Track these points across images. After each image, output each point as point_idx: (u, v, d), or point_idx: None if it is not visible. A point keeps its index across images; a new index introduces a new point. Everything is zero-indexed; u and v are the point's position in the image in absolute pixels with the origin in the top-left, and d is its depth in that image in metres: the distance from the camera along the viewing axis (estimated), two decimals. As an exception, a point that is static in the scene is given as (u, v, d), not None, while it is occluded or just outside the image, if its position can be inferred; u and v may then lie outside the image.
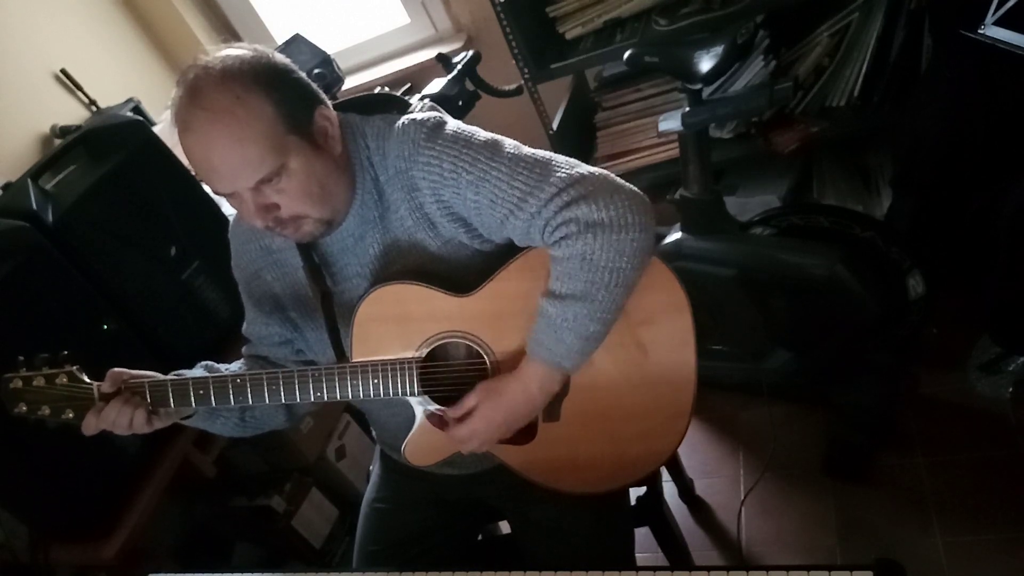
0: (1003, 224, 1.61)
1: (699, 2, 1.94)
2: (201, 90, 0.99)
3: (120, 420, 1.15)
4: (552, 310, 1.05)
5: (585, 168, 1.07)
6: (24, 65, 2.22)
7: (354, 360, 1.17)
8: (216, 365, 1.28)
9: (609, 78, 2.26)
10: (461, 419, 1.14)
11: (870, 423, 1.87)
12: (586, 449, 1.22)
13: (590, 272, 1.03)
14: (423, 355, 1.16)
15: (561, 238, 1.04)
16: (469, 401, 1.14)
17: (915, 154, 1.86)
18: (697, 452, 2.08)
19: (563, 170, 1.06)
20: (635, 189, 1.07)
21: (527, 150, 1.10)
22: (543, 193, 1.04)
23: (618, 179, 1.07)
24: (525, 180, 1.05)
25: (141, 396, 1.18)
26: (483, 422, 1.13)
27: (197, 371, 1.25)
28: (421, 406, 1.19)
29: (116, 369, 1.19)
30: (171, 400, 1.18)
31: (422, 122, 1.11)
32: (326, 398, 1.17)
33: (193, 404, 1.19)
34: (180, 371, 1.24)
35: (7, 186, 1.83)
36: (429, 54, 2.52)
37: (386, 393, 1.16)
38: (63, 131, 2.21)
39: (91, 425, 1.17)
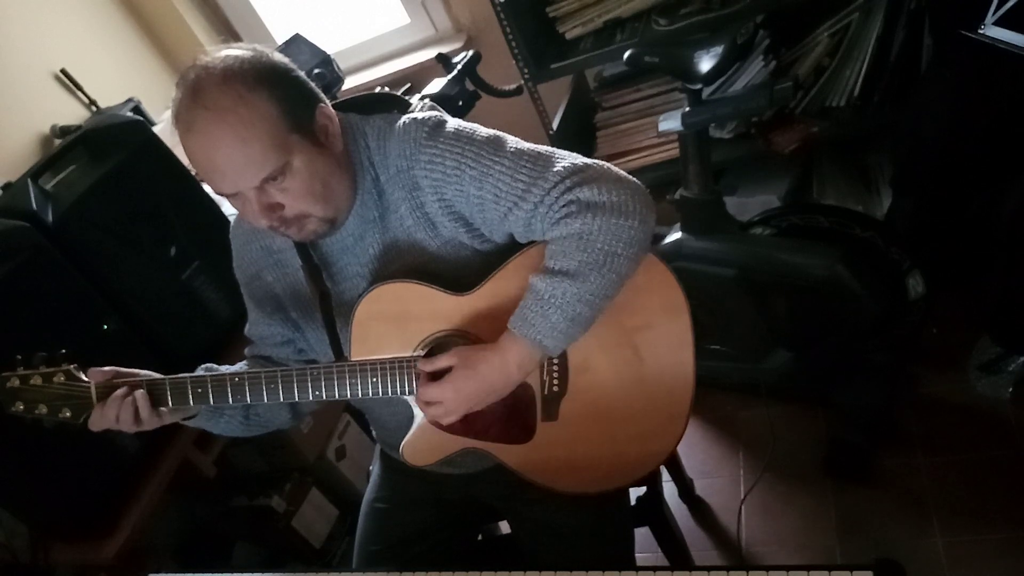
0: (1003, 224, 1.61)
1: (699, 2, 1.94)
2: (203, 90, 0.99)
3: (124, 415, 1.15)
4: (542, 285, 1.05)
5: (587, 159, 1.08)
6: (24, 65, 2.22)
7: (353, 359, 1.17)
8: (217, 367, 1.28)
9: (609, 78, 2.26)
10: (432, 379, 1.13)
11: (870, 423, 1.87)
12: (584, 449, 1.22)
13: (585, 252, 1.03)
14: (422, 354, 1.16)
15: (561, 218, 1.04)
16: (442, 361, 1.12)
17: (915, 154, 1.86)
18: (697, 452, 2.08)
19: (566, 160, 1.07)
20: (637, 182, 1.08)
21: (528, 144, 1.11)
22: (546, 183, 1.05)
23: (621, 170, 1.08)
24: (528, 173, 1.06)
25: (140, 390, 1.17)
26: (453, 390, 1.10)
27: (199, 373, 1.25)
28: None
29: (113, 368, 1.19)
30: (168, 399, 1.18)
31: (423, 121, 1.11)
32: (324, 397, 1.17)
33: (191, 403, 1.19)
34: (181, 375, 1.23)
35: (7, 186, 1.83)
36: (429, 54, 2.52)
37: (384, 392, 1.16)
38: (63, 131, 2.21)
39: (96, 423, 1.17)
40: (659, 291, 1.15)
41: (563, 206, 1.04)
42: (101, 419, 1.16)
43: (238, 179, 1.03)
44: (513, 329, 1.08)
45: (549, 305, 1.04)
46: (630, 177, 1.08)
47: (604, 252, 1.03)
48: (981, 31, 1.36)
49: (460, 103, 1.93)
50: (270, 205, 1.06)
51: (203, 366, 1.28)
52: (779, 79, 1.97)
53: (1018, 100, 1.55)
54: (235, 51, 1.03)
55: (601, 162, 1.08)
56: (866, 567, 0.93)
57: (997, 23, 1.34)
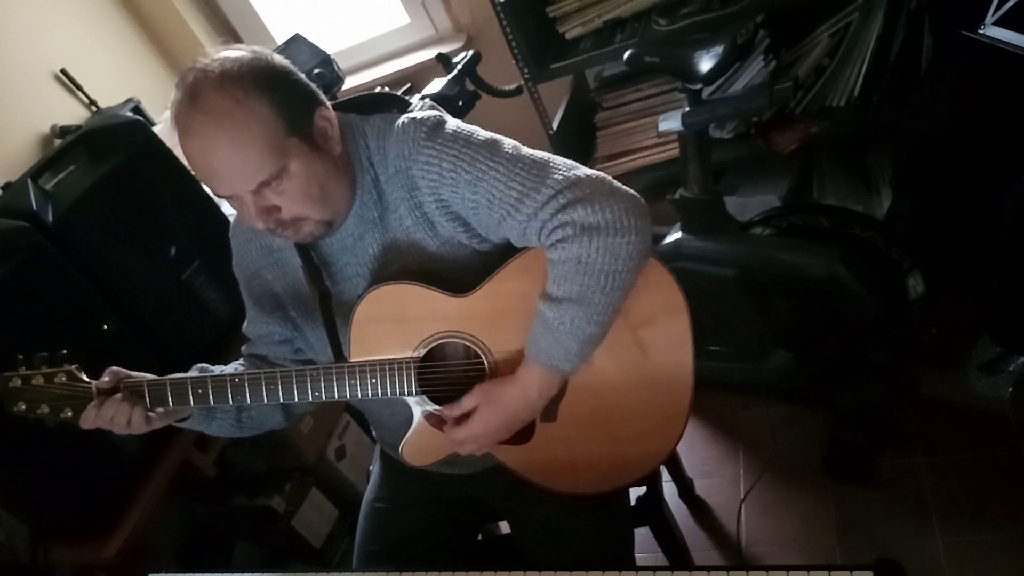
0: (1003, 224, 1.61)
1: (699, 2, 1.94)
2: (200, 93, 0.99)
3: (118, 418, 1.16)
4: (549, 313, 1.05)
5: (583, 171, 1.07)
6: (24, 65, 2.22)
7: (352, 360, 1.17)
8: (210, 367, 1.28)
9: (609, 78, 2.26)
10: (459, 421, 1.15)
11: (870, 423, 1.87)
12: (583, 450, 1.22)
13: (585, 276, 1.03)
14: (421, 355, 1.16)
15: (557, 241, 1.04)
16: (467, 403, 1.14)
17: (915, 154, 1.86)
18: (697, 452, 2.08)
19: (561, 172, 1.06)
20: (632, 192, 1.07)
21: (526, 150, 1.10)
22: (540, 195, 1.04)
23: (615, 182, 1.07)
24: (523, 181, 1.05)
25: (139, 396, 1.18)
26: (481, 426, 1.13)
27: (192, 373, 1.26)
28: (419, 406, 1.19)
29: (116, 367, 1.20)
30: (169, 400, 1.18)
31: (422, 121, 1.11)
32: (324, 398, 1.17)
33: (192, 403, 1.19)
34: (177, 375, 1.23)
35: (7, 186, 1.83)
36: (429, 54, 2.52)
37: (384, 393, 1.16)
38: (63, 131, 2.21)
39: (89, 420, 1.17)
40: (658, 292, 1.15)
41: (557, 227, 1.03)
42: (96, 417, 1.17)
43: (234, 183, 1.03)
44: (529, 358, 1.10)
45: (559, 332, 1.05)
46: (624, 188, 1.06)
47: (605, 273, 1.03)
48: (981, 31, 1.36)
49: (460, 103, 1.93)
50: (267, 208, 1.06)
51: (197, 366, 1.28)
52: (779, 79, 1.97)
53: (1018, 100, 1.55)
54: (234, 53, 1.03)
55: (595, 173, 1.07)
56: (866, 567, 0.93)
57: (997, 23, 1.34)
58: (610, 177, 1.07)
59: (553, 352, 1.07)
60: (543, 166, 1.07)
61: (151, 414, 1.19)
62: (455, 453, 1.22)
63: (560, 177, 1.05)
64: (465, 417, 1.14)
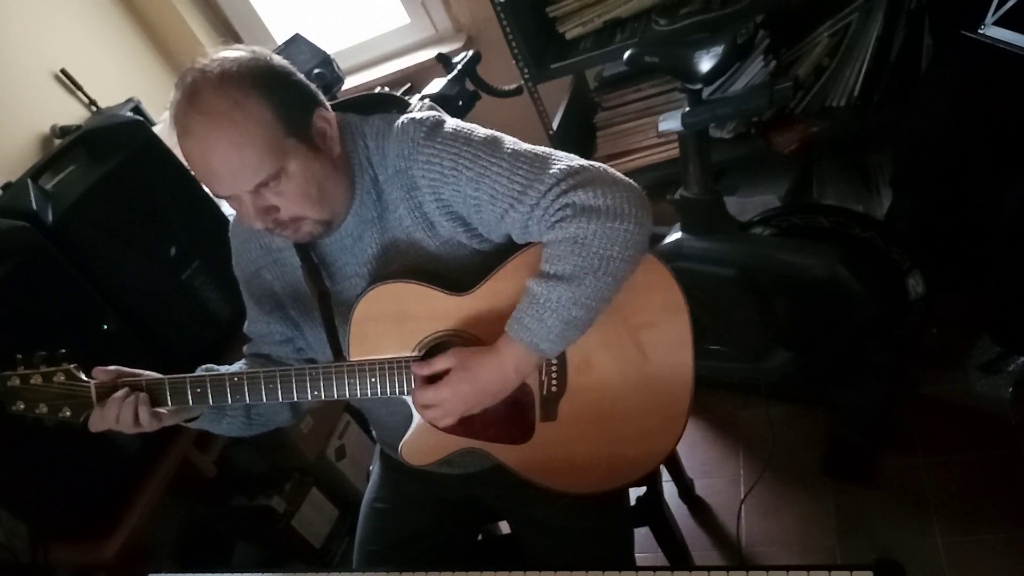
0: (1003, 224, 1.61)
1: (699, 2, 1.94)
2: (199, 94, 1.00)
3: (124, 416, 1.15)
4: (538, 289, 1.05)
5: (584, 160, 1.07)
6: (24, 65, 2.22)
7: (352, 359, 1.17)
8: (216, 368, 1.28)
9: (609, 78, 2.26)
10: (428, 382, 1.13)
11: (870, 423, 1.87)
12: (583, 449, 1.22)
13: (580, 256, 1.03)
14: (420, 354, 1.16)
15: (556, 222, 1.04)
16: (440, 363, 1.11)
17: (915, 154, 1.86)
18: (697, 452, 2.08)
19: (563, 162, 1.07)
20: (633, 183, 1.08)
21: (526, 145, 1.11)
22: (542, 185, 1.05)
23: (618, 172, 1.08)
24: (525, 174, 1.06)
25: (140, 391, 1.17)
26: (450, 391, 1.10)
27: (198, 374, 1.25)
28: (419, 406, 1.19)
29: (114, 367, 1.19)
30: (168, 398, 1.18)
31: (421, 121, 1.11)
32: (323, 397, 1.17)
33: (191, 403, 1.19)
34: (180, 375, 1.23)
35: (7, 186, 1.83)
36: (429, 54, 2.52)
37: (383, 392, 1.16)
38: (63, 131, 2.21)
39: (96, 423, 1.17)
40: (658, 291, 1.15)
41: (559, 209, 1.04)
42: (101, 420, 1.16)
43: (233, 183, 1.03)
44: (509, 332, 1.08)
45: (545, 309, 1.04)
46: (626, 179, 1.08)
47: (600, 256, 1.03)
48: (981, 31, 1.36)
49: (460, 103, 1.94)
50: (265, 208, 1.07)
51: (203, 367, 1.28)
52: (779, 79, 1.97)
53: (1018, 100, 1.55)
54: (233, 53, 1.03)
55: (598, 164, 1.08)
56: (866, 567, 0.93)
57: (997, 23, 1.34)
58: (611, 168, 1.08)
59: (535, 329, 1.06)
60: (544, 159, 1.07)
61: (160, 411, 1.18)
62: (455, 453, 1.22)
63: (563, 166, 1.06)
64: (435, 379, 1.13)
